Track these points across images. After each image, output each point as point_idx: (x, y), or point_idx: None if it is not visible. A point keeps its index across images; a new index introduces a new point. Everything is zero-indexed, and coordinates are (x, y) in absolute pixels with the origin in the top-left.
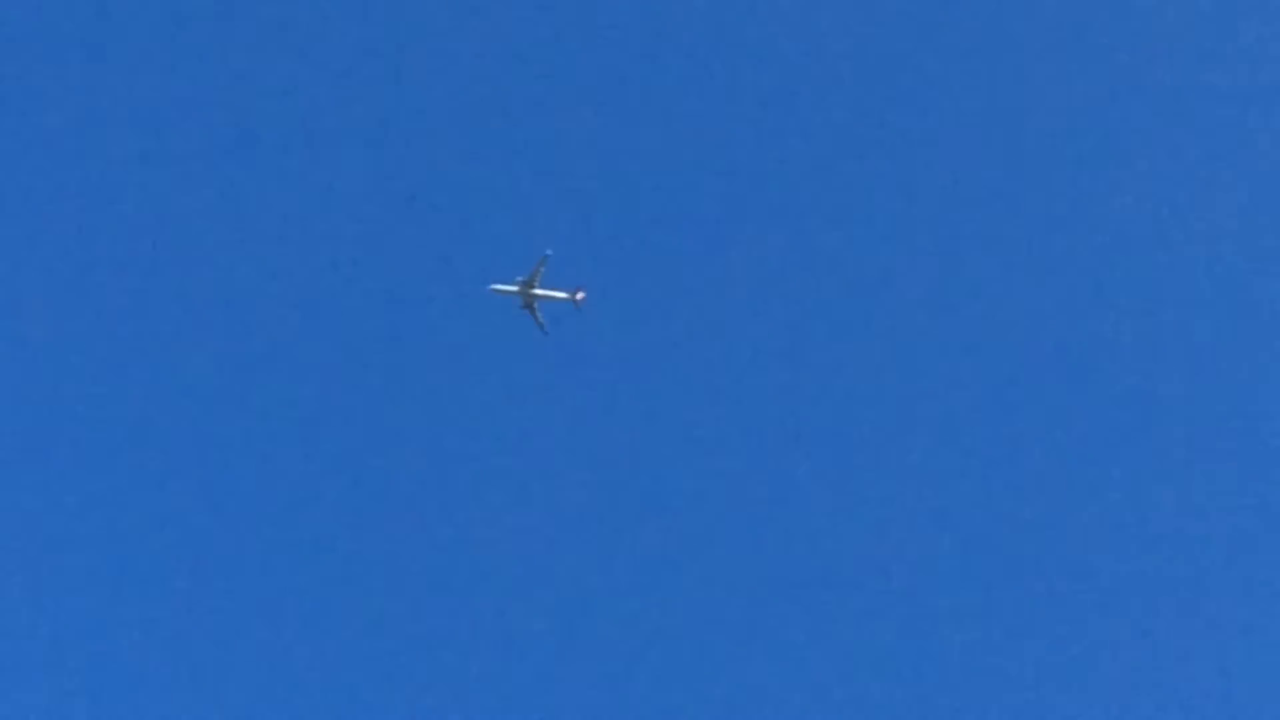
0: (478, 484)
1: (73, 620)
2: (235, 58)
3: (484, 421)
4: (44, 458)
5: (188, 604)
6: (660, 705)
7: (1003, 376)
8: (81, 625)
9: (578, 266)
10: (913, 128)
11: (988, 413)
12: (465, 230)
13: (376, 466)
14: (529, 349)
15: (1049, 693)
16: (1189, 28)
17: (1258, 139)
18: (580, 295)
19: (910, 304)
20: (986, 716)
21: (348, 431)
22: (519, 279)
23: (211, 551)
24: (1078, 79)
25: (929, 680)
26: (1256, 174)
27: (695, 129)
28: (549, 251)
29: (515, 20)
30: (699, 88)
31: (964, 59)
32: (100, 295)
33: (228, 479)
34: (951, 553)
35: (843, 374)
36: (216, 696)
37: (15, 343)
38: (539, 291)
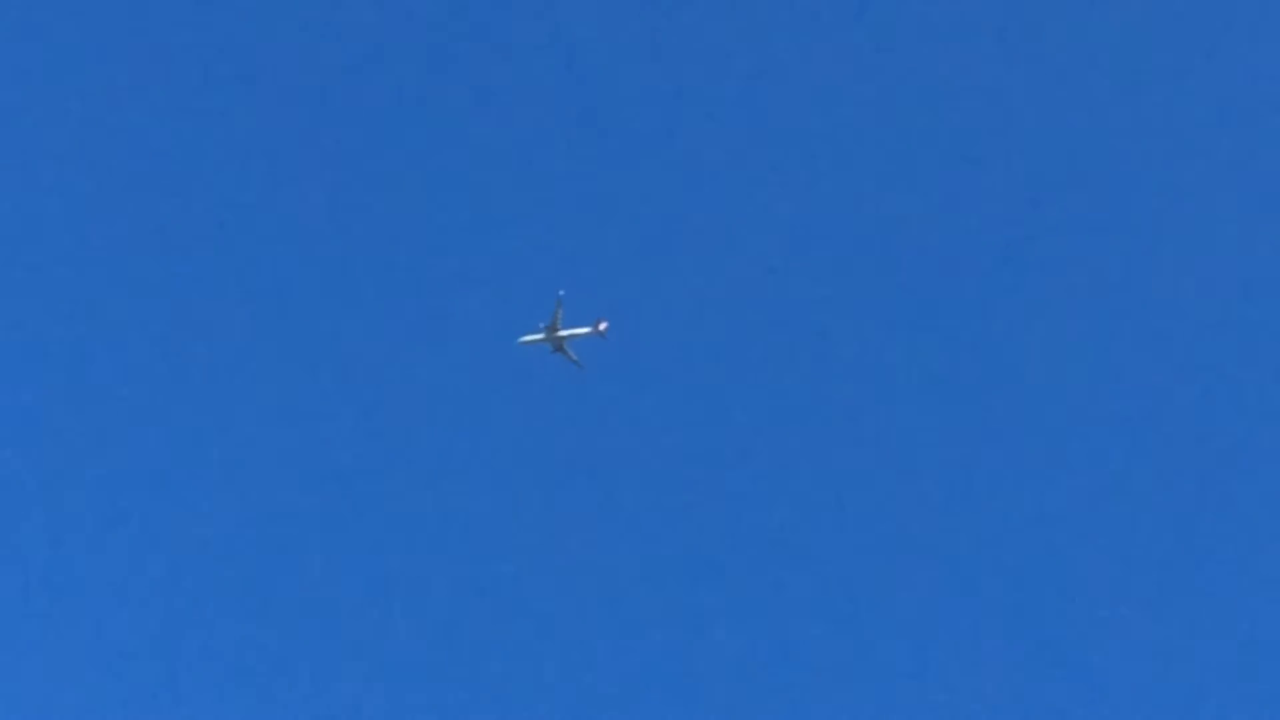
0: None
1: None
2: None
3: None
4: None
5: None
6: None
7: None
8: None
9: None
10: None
11: (992, 415)
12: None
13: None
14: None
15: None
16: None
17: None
18: (603, 325)
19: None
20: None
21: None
22: (542, 325)
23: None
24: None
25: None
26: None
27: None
28: (561, 291)
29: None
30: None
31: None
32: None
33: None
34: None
35: (858, 382)
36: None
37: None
38: (564, 332)
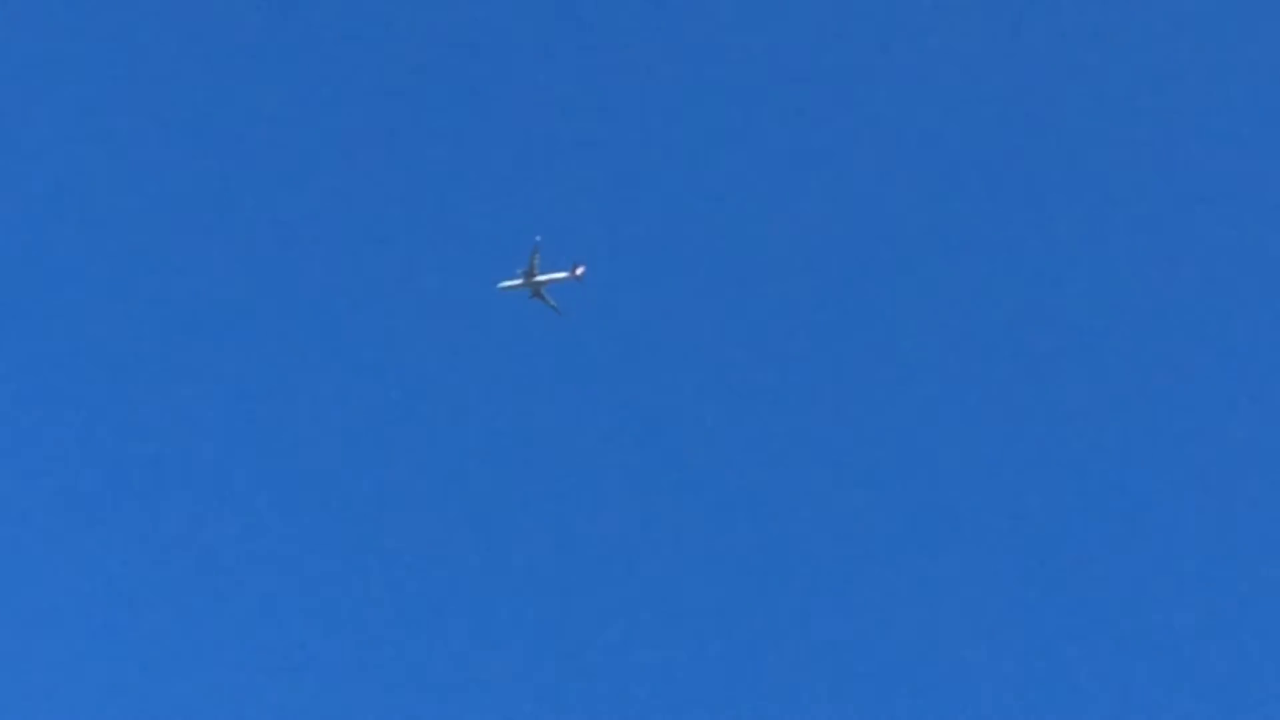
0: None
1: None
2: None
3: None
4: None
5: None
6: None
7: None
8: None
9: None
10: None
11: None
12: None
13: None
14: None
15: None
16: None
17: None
18: (580, 270)
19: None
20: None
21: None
22: (520, 271)
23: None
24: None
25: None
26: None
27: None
28: (538, 237)
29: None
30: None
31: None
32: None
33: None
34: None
35: (836, 350)
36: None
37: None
38: (542, 278)
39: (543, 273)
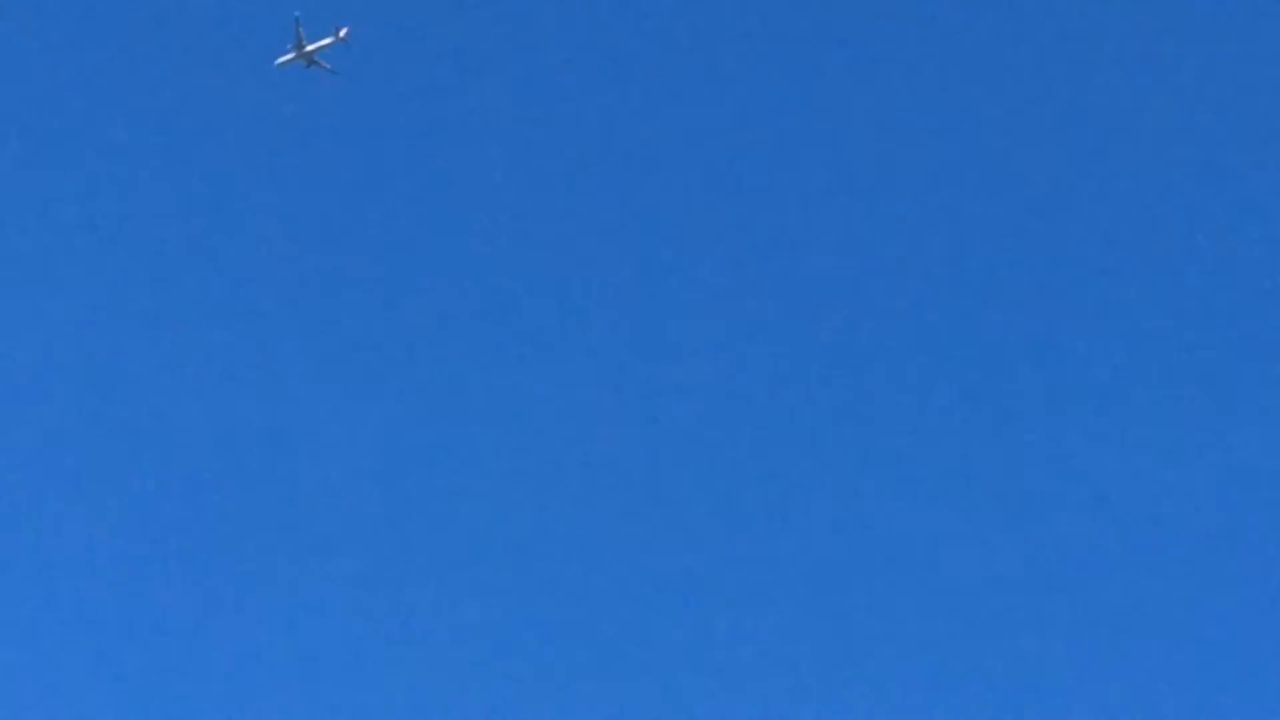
0: None
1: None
2: None
3: None
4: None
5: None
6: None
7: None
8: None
9: None
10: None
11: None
12: None
13: None
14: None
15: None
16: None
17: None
18: (344, 32)
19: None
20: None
21: None
22: (289, 47)
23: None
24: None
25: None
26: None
27: None
28: (297, 13)
29: None
30: None
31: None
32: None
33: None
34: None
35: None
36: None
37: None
38: (311, 47)
39: (310, 42)
